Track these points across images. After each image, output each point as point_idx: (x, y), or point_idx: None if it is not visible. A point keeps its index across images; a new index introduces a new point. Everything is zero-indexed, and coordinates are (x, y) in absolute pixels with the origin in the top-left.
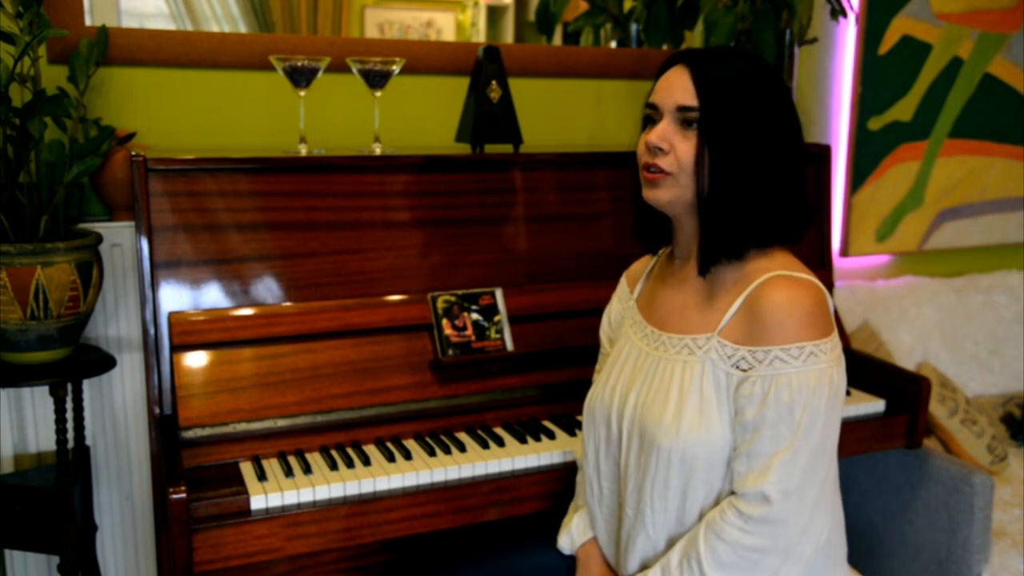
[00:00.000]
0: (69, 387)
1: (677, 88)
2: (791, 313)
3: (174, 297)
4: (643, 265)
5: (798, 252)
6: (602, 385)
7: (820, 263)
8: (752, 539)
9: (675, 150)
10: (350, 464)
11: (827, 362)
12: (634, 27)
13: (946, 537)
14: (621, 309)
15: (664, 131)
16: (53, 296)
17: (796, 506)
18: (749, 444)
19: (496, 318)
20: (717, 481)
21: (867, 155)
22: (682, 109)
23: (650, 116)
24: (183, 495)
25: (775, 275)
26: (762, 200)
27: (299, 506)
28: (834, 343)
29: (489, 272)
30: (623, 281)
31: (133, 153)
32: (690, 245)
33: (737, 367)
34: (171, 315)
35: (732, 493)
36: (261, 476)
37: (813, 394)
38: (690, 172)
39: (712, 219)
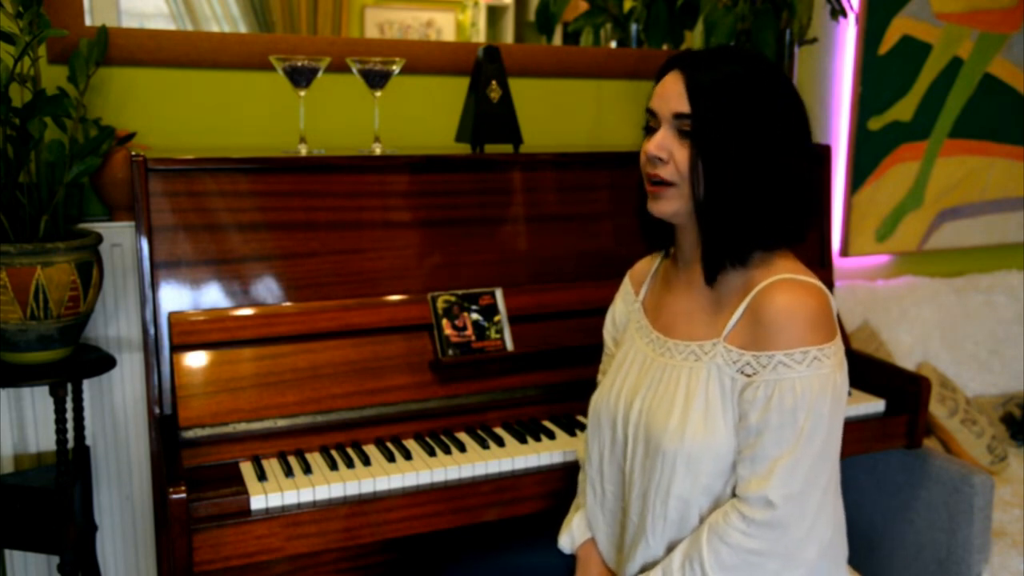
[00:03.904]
0: (69, 387)
1: (672, 95)
2: (794, 317)
3: (174, 297)
4: (647, 265)
5: (798, 253)
6: (607, 389)
7: (820, 263)
8: (755, 543)
9: (674, 159)
10: (350, 464)
11: (831, 367)
12: (634, 27)
13: (946, 537)
14: (626, 311)
15: (663, 140)
16: (53, 296)
17: (799, 510)
18: (752, 448)
19: (496, 318)
20: (719, 487)
21: (867, 155)
22: (678, 117)
23: (650, 124)
24: (183, 495)
25: (778, 279)
26: (760, 203)
27: (299, 506)
28: (837, 347)
29: (489, 272)
30: (627, 281)
31: (133, 153)
32: (692, 251)
33: (742, 372)
34: (171, 315)
35: (734, 496)
36: (261, 476)
37: (817, 399)
38: (688, 180)
39: (711, 227)
